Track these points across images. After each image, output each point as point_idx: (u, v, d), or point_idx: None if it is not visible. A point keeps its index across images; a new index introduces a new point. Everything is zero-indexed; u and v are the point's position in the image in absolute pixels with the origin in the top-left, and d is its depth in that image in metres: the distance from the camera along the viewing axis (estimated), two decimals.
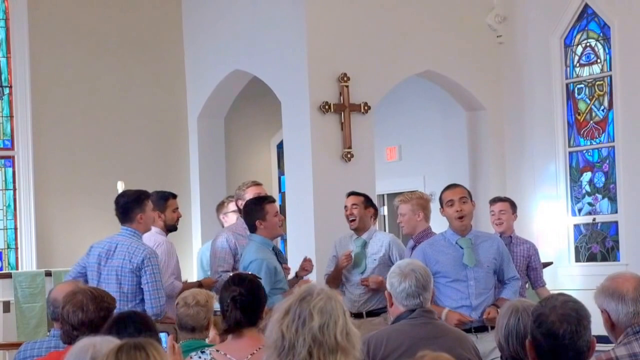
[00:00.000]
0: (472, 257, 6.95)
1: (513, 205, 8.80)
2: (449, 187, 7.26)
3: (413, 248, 7.95)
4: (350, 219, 8.53)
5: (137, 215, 7.33)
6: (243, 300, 4.96)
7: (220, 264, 8.19)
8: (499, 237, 7.80)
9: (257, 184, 8.55)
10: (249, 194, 8.30)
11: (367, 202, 8.63)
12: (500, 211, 8.69)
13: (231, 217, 8.93)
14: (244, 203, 8.16)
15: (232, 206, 8.96)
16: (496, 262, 7.06)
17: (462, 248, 6.99)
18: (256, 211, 7.66)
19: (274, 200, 7.90)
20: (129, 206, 7.37)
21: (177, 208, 8.30)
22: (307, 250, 10.01)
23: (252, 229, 7.69)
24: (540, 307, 3.77)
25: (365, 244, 8.48)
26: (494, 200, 8.92)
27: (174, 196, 8.34)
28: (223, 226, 9.05)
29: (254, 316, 4.98)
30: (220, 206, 9.27)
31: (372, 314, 8.41)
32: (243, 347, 4.90)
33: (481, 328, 6.92)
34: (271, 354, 3.26)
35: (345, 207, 8.62)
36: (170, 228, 8.19)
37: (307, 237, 10.41)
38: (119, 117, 12.02)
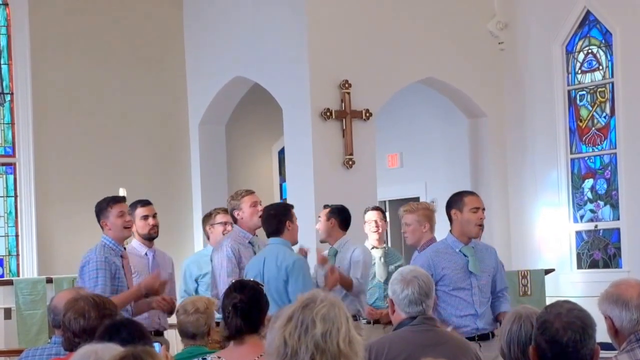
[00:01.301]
0: (477, 265, 6.93)
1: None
2: (472, 193, 7.31)
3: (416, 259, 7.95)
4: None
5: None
6: (244, 307, 4.96)
7: (229, 274, 8.12)
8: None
9: (251, 192, 8.50)
10: (246, 202, 8.25)
11: (331, 213, 8.73)
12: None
13: (217, 229, 8.82)
14: (248, 210, 8.09)
15: (219, 218, 8.85)
16: (494, 272, 7.06)
17: (466, 256, 6.96)
18: (286, 213, 7.69)
19: (292, 207, 8.00)
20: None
21: (148, 216, 7.98)
22: (308, 257, 9.99)
23: (277, 232, 7.66)
24: (545, 314, 3.75)
25: (335, 254, 8.63)
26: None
27: (144, 204, 8.09)
28: (209, 238, 8.96)
29: (255, 323, 4.97)
30: (207, 217, 9.06)
31: (378, 321, 8.56)
32: (244, 354, 4.90)
33: (484, 336, 6.91)
34: None
35: (319, 217, 8.78)
36: (146, 237, 8.08)
37: (309, 244, 10.37)
38: (121, 124, 12.02)
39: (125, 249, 7.52)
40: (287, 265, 7.41)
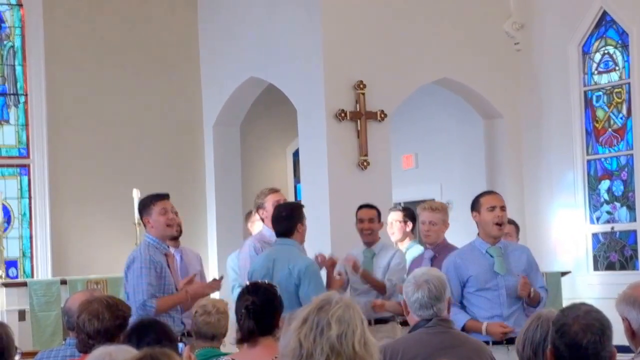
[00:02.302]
0: (503, 265, 6.87)
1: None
2: (489, 192, 7.28)
3: (432, 258, 7.91)
4: (366, 232, 8.59)
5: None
6: (256, 309, 4.95)
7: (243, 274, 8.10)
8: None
9: (276, 190, 8.49)
10: (270, 201, 8.24)
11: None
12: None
13: (257, 226, 8.88)
14: (271, 209, 8.04)
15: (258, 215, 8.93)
16: (526, 272, 6.97)
17: (492, 257, 6.91)
18: (298, 215, 7.64)
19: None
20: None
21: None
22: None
23: (289, 233, 7.61)
24: (563, 317, 3.73)
25: (373, 256, 8.57)
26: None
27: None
28: (251, 234, 9.01)
29: (268, 325, 4.96)
30: (248, 215, 9.30)
31: (380, 321, 8.46)
32: (258, 356, 4.88)
33: (512, 340, 6.87)
34: None
35: (361, 219, 8.65)
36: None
37: (323, 246, 10.35)
38: (135, 125, 12.02)
39: (169, 247, 7.45)
40: (300, 269, 7.35)
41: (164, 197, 7.32)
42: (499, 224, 6.94)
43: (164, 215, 7.20)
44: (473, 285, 6.86)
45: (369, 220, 8.63)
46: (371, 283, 8.45)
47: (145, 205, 7.31)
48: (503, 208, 6.98)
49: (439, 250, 7.99)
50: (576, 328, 3.63)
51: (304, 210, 7.74)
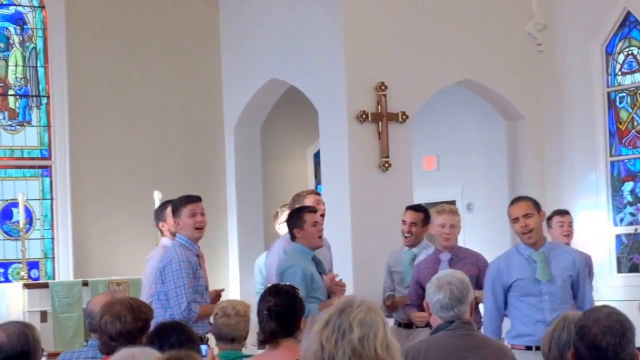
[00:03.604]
0: (545, 272, 6.84)
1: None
2: (514, 201, 7.18)
3: (450, 261, 7.89)
4: (407, 235, 8.56)
5: None
6: (278, 311, 4.96)
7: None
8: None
9: (315, 192, 8.51)
10: (309, 202, 8.25)
11: (426, 219, 8.62)
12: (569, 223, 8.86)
13: (283, 227, 8.90)
14: None
15: (284, 217, 8.93)
16: (572, 277, 6.93)
17: (535, 262, 6.88)
18: (295, 220, 7.63)
19: (315, 210, 7.82)
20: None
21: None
22: (344, 260, 9.97)
23: (292, 237, 7.66)
24: (584, 319, 3.72)
25: (414, 258, 8.51)
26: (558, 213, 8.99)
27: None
28: (279, 235, 9.03)
29: (290, 327, 4.97)
30: (275, 217, 9.32)
31: (407, 325, 8.45)
32: (279, 357, 4.89)
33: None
34: None
35: (404, 222, 8.60)
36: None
37: (345, 247, 10.35)
38: (156, 126, 12.04)
39: (200, 247, 7.47)
40: (282, 272, 7.40)
41: (194, 199, 7.37)
42: (526, 233, 6.90)
43: (192, 217, 7.25)
44: (517, 290, 6.85)
45: (411, 224, 8.58)
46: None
47: (176, 206, 7.36)
48: (526, 216, 6.92)
49: (456, 253, 7.97)
50: (596, 330, 3.62)
51: (309, 215, 7.64)
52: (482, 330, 6.93)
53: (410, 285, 8.18)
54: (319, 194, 8.59)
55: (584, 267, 7.14)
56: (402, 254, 8.67)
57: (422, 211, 8.65)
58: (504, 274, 6.88)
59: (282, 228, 8.91)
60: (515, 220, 6.93)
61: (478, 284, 7.61)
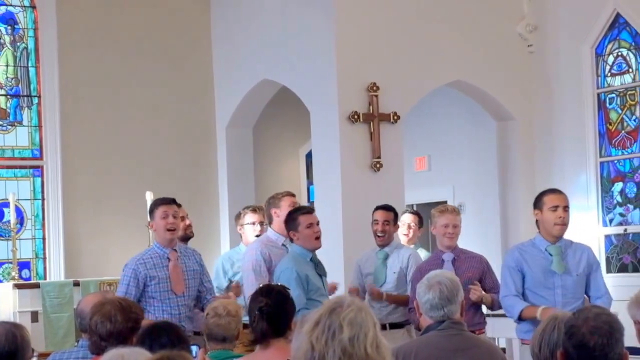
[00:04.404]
0: (561, 264, 6.85)
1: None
2: (554, 191, 7.11)
3: (453, 261, 7.89)
4: (380, 234, 8.57)
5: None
6: (270, 311, 4.96)
7: (258, 278, 8.10)
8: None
9: (292, 194, 8.51)
10: (285, 203, 8.25)
11: (396, 218, 8.70)
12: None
13: (247, 229, 8.88)
14: (285, 211, 8.04)
15: (248, 218, 8.91)
16: (586, 272, 6.95)
17: (551, 255, 6.89)
18: (290, 222, 7.63)
19: (309, 212, 7.81)
20: None
21: (183, 217, 8.09)
22: (335, 260, 9.99)
23: (291, 240, 7.68)
24: (573, 319, 3.74)
25: (387, 257, 8.52)
26: None
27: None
28: (241, 237, 9.01)
29: (281, 327, 4.97)
30: (237, 218, 9.17)
31: (395, 326, 8.41)
32: (270, 358, 4.90)
33: None
34: None
35: (376, 221, 8.63)
36: (182, 238, 8.08)
37: (336, 247, 10.37)
38: (148, 126, 12.04)
39: (176, 250, 7.47)
40: (277, 276, 7.41)
41: (168, 201, 7.38)
42: (561, 225, 6.89)
43: (164, 219, 7.29)
44: (530, 282, 6.86)
45: (384, 223, 8.61)
46: (399, 302, 8.40)
47: (150, 209, 7.44)
48: (566, 208, 6.92)
49: (458, 253, 7.97)
50: (584, 330, 3.64)
51: (303, 217, 7.60)
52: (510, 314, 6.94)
53: (411, 288, 8.14)
54: (294, 195, 8.57)
55: (597, 263, 7.17)
56: (373, 255, 8.64)
57: (392, 210, 8.68)
58: (522, 263, 6.89)
59: (246, 229, 8.88)
60: (554, 208, 6.87)
61: (482, 285, 7.70)
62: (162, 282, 7.22)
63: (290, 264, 7.46)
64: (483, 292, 7.75)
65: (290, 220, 7.62)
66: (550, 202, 6.90)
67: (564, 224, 6.90)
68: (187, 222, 8.29)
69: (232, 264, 8.85)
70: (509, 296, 6.93)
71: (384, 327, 8.28)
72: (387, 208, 8.71)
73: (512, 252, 7.10)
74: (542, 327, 4.20)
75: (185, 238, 8.15)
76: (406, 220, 9.39)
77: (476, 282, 7.75)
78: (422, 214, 9.81)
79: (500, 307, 7.45)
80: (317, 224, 7.66)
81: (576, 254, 6.97)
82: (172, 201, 7.43)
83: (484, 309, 8.14)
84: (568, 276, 6.86)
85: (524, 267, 6.89)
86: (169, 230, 7.30)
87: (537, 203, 6.96)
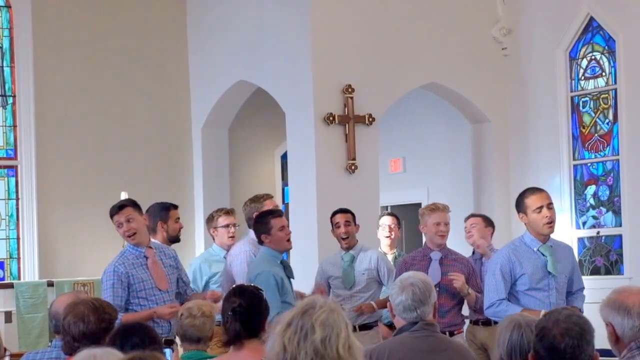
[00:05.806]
0: (555, 266, 6.76)
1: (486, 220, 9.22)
2: (534, 190, 6.93)
3: (440, 260, 7.90)
4: (344, 237, 8.56)
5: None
6: (243, 311, 4.96)
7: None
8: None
9: (271, 196, 8.53)
10: (268, 206, 8.27)
11: (354, 218, 8.70)
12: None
13: (221, 232, 8.87)
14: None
15: (222, 220, 8.90)
16: (571, 272, 6.91)
17: (544, 255, 6.78)
18: (261, 225, 7.64)
19: (280, 215, 7.82)
20: None
21: (179, 218, 8.15)
22: (310, 262, 9.99)
23: (260, 242, 7.68)
24: (544, 321, 3.76)
25: (353, 259, 8.52)
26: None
27: (175, 207, 8.16)
28: (214, 239, 9.00)
29: (255, 328, 4.97)
30: (210, 220, 9.13)
31: (364, 327, 8.43)
32: (244, 358, 4.89)
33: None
34: None
35: (338, 225, 8.62)
36: (172, 239, 8.09)
37: (311, 249, 10.39)
38: (123, 127, 12.02)
39: (152, 247, 7.43)
40: (251, 279, 7.39)
41: (116, 210, 7.29)
42: (549, 224, 6.76)
43: (119, 228, 7.28)
44: (525, 284, 6.72)
45: (345, 224, 8.58)
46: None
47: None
48: (550, 205, 6.79)
49: (446, 253, 7.98)
50: (555, 332, 3.66)
51: (275, 220, 7.61)
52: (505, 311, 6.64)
53: None
54: (273, 197, 8.60)
55: (576, 261, 7.19)
56: (338, 259, 8.63)
57: (350, 212, 8.68)
58: (515, 265, 6.73)
59: (221, 232, 8.87)
60: (538, 209, 6.72)
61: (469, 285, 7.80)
62: (145, 281, 7.17)
63: (266, 267, 7.46)
64: (466, 285, 7.79)
65: (262, 224, 7.62)
66: (533, 204, 6.75)
67: (553, 221, 6.78)
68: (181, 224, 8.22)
69: (210, 264, 8.84)
70: (502, 301, 6.72)
71: (353, 329, 8.30)
72: (344, 210, 8.71)
73: (502, 254, 6.87)
74: (508, 336, 4.21)
75: (174, 240, 8.09)
76: (386, 222, 9.40)
77: (458, 272, 7.79)
78: (397, 215, 9.86)
79: (481, 307, 7.26)
80: (287, 226, 7.71)
81: (562, 253, 6.89)
82: (120, 207, 7.30)
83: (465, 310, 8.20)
84: (560, 277, 6.80)
85: (517, 270, 6.73)
86: (129, 237, 7.26)
87: (520, 206, 6.82)
